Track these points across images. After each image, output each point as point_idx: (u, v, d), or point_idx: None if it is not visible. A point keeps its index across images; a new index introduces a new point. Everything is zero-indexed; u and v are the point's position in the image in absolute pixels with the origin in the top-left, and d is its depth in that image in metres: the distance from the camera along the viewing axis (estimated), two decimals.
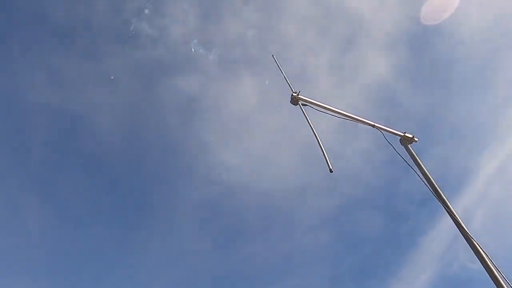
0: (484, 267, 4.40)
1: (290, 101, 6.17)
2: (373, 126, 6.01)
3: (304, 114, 5.72)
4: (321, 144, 5.03)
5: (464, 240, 4.72)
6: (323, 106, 6.08)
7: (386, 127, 6.09)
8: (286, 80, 6.54)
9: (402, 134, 6.02)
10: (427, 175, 5.56)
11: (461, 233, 4.78)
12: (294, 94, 6.11)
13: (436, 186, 5.41)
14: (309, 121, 5.55)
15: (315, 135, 5.23)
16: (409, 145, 5.96)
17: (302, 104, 6.08)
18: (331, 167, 4.72)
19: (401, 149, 5.96)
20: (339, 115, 6.07)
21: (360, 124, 6.12)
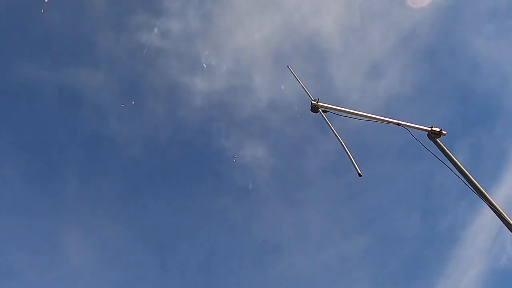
0: None
1: (310, 109, 6.17)
2: (398, 124, 5.90)
3: (326, 121, 5.70)
4: (347, 150, 4.99)
5: (510, 231, 4.53)
6: (345, 110, 6.04)
7: (412, 123, 5.97)
8: (304, 89, 6.55)
9: (429, 129, 5.88)
10: (460, 168, 5.39)
11: (505, 224, 4.59)
12: (313, 102, 6.11)
13: (472, 178, 5.23)
14: (332, 127, 5.53)
15: (340, 141, 5.20)
16: (437, 139, 5.81)
17: (323, 111, 6.06)
18: (360, 171, 4.67)
19: (429, 144, 5.81)
20: (361, 117, 6.01)
21: (384, 124, 6.03)
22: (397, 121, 5.94)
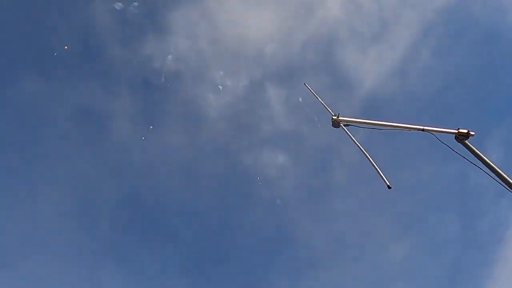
0: None
1: (332, 125, 6.20)
2: (423, 130, 5.84)
3: (349, 135, 5.71)
4: (373, 162, 4.98)
5: None
6: (367, 122, 6.04)
7: (437, 127, 5.88)
8: (324, 105, 6.61)
9: (456, 131, 5.77)
10: (493, 168, 5.26)
11: None
12: (334, 117, 6.14)
13: (507, 177, 5.09)
14: (355, 141, 5.53)
15: (365, 154, 5.19)
16: (466, 141, 5.69)
17: (345, 125, 6.08)
18: (388, 184, 4.64)
19: (458, 147, 5.70)
20: (385, 127, 5.99)
21: (408, 131, 5.98)
22: (421, 127, 5.87)
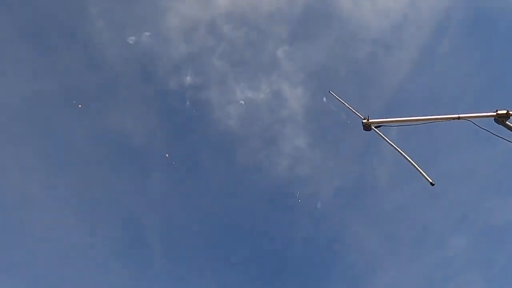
0: None
1: (363, 129, 6.13)
2: (459, 118, 5.65)
3: (383, 137, 5.63)
4: (412, 161, 4.87)
5: None
6: (398, 120, 5.93)
7: (474, 113, 5.68)
8: (352, 110, 6.56)
9: (495, 114, 5.54)
10: None
11: None
12: (364, 120, 6.09)
13: None
14: (390, 142, 5.44)
15: (401, 153, 5.09)
16: (507, 122, 5.44)
17: (376, 127, 6.00)
18: (431, 180, 4.51)
19: (499, 129, 5.46)
20: (417, 122, 5.85)
21: (443, 122, 5.80)
22: (457, 116, 5.69)
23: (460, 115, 5.67)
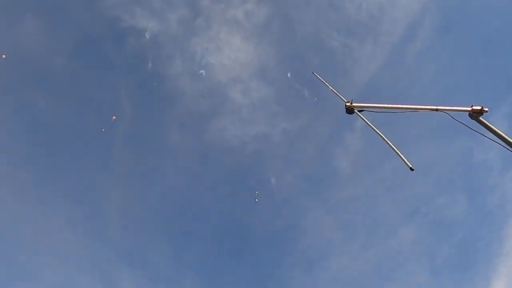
0: None
1: (346, 112, 6.24)
2: (437, 110, 5.90)
3: (365, 120, 5.77)
4: (392, 146, 5.04)
5: None
6: (381, 106, 6.09)
7: (450, 106, 5.94)
8: (335, 92, 6.65)
9: (470, 109, 5.84)
10: (510, 142, 5.33)
11: None
12: (347, 104, 6.19)
13: None
14: (372, 126, 5.59)
15: (383, 138, 5.26)
16: (480, 118, 5.75)
17: (359, 111, 6.13)
18: (411, 166, 4.71)
19: (472, 123, 5.76)
20: (399, 110, 6.04)
21: (421, 112, 6.03)
22: (435, 107, 5.93)
23: (438, 107, 5.92)
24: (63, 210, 32.63)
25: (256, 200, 27.27)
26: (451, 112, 5.86)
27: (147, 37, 31.97)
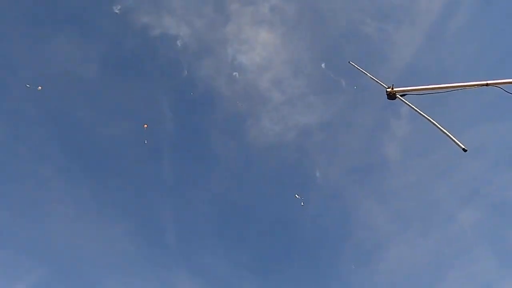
0: None
1: (387, 98, 6.01)
2: (487, 85, 5.51)
3: (409, 105, 5.53)
4: (441, 128, 4.78)
5: None
6: (424, 88, 5.81)
7: (501, 79, 5.53)
8: (374, 79, 6.43)
9: None
10: None
11: None
12: (388, 89, 5.96)
13: None
14: (417, 109, 5.33)
15: (431, 121, 5.00)
16: None
17: (401, 95, 5.88)
18: (463, 146, 4.44)
19: None
20: (444, 90, 5.72)
21: (470, 89, 5.67)
22: (485, 82, 5.55)
23: (489, 82, 5.53)
24: (121, 224, 34.23)
25: (302, 204, 26.89)
26: (504, 85, 5.46)
27: (179, 44, 32.66)
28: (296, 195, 26.02)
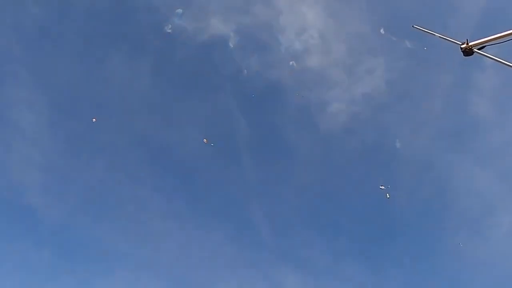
0: None
1: (464, 55, 5.56)
2: None
3: (491, 57, 5.07)
4: None
5: None
6: (504, 35, 5.25)
7: None
8: (445, 38, 5.99)
9: None
10: None
11: None
12: (463, 46, 5.51)
13: None
14: (502, 60, 4.85)
15: None
16: None
17: (479, 49, 5.39)
18: None
19: None
20: None
21: None
22: None
23: None
24: (217, 230, 36.06)
25: (388, 196, 25.53)
26: None
27: (231, 45, 33.25)
28: (381, 186, 24.95)
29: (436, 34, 6.24)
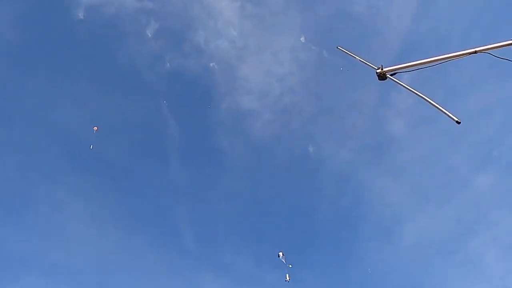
0: None
1: (378, 79, 5.99)
2: (476, 52, 5.47)
3: (400, 83, 5.51)
4: (434, 103, 4.77)
5: None
6: (414, 64, 5.77)
7: (490, 44, 5.48)
8: (363, 61, 6.39)
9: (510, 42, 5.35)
10: None
11: None
12: (378, 70, 5.93)
13: None
14: (408, 87, 5.31)
15: (423, 97, 4.98)
16: None
17: (391, 75, 5.85)
18: (457, 119, 4.43)
19: None
20: (433, 63, 5.68)
21: (460, 59, 5.62)
22: (473, 50, 5.50)
23: (477, 49, 5.48)
24: (140, 234, 34.65)
25: (289, 265, 25.95)
26: (493, 50, 5.40)
27: (149, 34, 32.85)
28: (280, 256, 25.00)
29: (357, 57, 6.64)
